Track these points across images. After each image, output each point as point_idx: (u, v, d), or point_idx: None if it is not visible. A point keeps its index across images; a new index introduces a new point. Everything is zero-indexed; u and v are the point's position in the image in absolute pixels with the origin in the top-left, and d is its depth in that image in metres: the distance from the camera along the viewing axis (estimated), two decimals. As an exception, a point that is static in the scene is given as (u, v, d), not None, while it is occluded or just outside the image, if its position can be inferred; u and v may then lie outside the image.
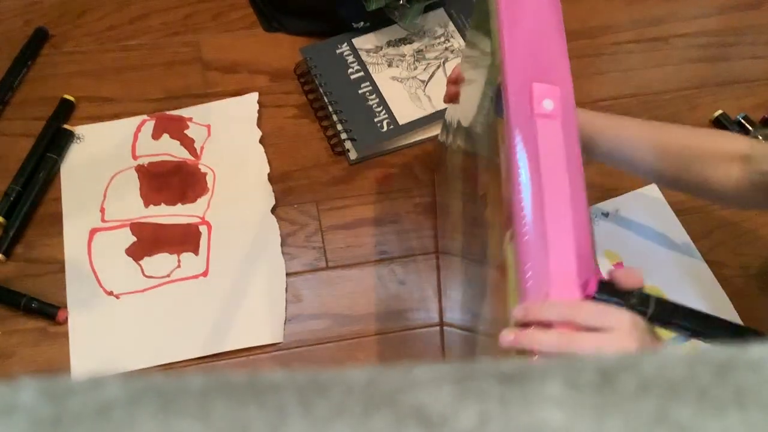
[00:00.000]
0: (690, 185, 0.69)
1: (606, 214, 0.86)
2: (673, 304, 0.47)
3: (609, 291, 0.46)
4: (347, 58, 0.94)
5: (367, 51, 0.95)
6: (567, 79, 0.50)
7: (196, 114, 0.90)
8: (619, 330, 0.43)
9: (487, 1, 0.55)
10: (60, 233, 0.81)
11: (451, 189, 0.78)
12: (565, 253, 0.43)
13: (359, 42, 0.95)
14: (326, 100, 0.90)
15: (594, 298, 0.45)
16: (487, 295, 0.59)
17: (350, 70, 0.93)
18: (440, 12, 0.99)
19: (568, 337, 0.43)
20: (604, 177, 0.89)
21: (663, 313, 0.47)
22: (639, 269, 0.47)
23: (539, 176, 0.45)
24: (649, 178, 0.75)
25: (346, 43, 0.95)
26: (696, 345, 0.53)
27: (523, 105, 0.48)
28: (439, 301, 0.80)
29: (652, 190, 0.88)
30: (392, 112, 0.90)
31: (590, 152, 0.72)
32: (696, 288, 0.81)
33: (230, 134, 0.89)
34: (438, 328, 0.79)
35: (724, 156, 0.65)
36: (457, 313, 0.73)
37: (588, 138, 0.69)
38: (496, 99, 0.52)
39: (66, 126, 0.87)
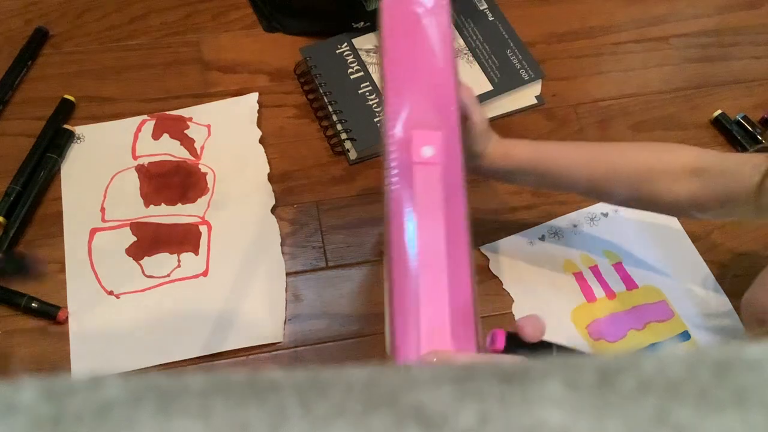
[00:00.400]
0: (643, 204, 0.69)
1: (605, 214, 0.86)
2: (574, 351, 0.49)
3: (516, 343, 0.46)
4: (347, 58, 0.94)
5: (367, 51, 0.95)
6: (452, 122, 0.48)
7: (196, 114, 0.90)
8: None
9: (380, 45, 0.53)
10: (60, 233, 0.81)
11: None
12: (439, 307, 0.42)
13: (359, 42, 0.95)
14: (326, 100, 0.90)
15: (504, 351, 0.45)
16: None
17: (350, 70, 0.93)
18: (440, 12, 0.99)
19: None
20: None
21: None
22: (540, 319, 0.47)
23: (415, 227, 0.44)
24: (601, 200, 0.75)
25: (346, 43, 0.95)
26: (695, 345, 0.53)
27: (402, 152, 0.46)
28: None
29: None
30: (392, 112, 0.89)
31: (534, 183, 0.71)
32: (695, 287, 0.81)
33: (230, 134, 0.89)
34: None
35: (674, 173, 0.65)
36: None
37: (532, 169, 0.68)
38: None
39: (66, 126, 0.87)
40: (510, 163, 0.68)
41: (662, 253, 0.83)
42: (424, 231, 0.44)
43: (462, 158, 0.47)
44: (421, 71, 0.50)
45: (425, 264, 0.43)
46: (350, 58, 0.94)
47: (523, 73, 0.93)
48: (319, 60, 0.92)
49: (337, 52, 0.94)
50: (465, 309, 0.43)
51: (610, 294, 0.81)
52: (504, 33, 0.97)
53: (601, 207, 0.86)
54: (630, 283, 0.81)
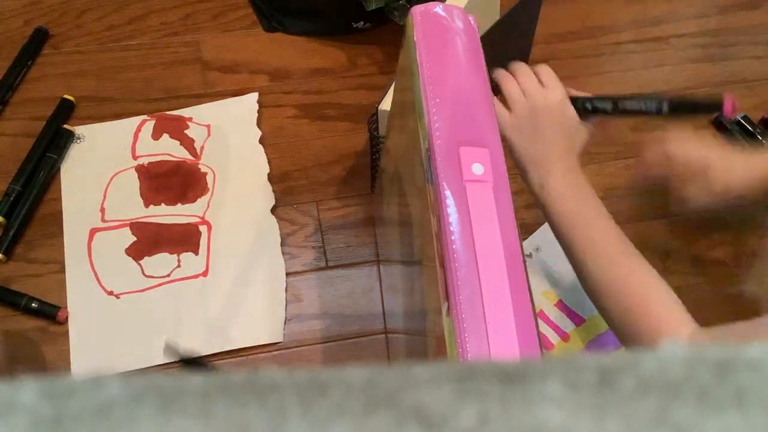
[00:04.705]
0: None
1: (529, 256, 0.82)
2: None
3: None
4: None
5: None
6: (496, 140, 0.48)
7: (196, 114, 0.90)
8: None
9: (411, 64, 0.53)
10: (60, 233, 0.81)
11: (387, 195, 0.76)
12: (505, 329, 0.42)
13: None
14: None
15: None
16: (414, 293, 0.58)
17: None
18: (440, 12, 0.98)
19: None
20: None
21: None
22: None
23: (473, 247, 0.44)
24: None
25: None
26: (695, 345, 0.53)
27: (452, 171, 0.46)
28: (382, 307, 0.80)
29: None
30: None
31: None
32: None
33: (230, 134, 0.89)
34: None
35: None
36: (400, 319, 0.72)
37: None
38: (426, 166, 0.50)
39: (66, 126, 0.87)
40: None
41: None
42: (484, 252, 0.44)
43: (506, 174, 0.47)
44: (459, 88, 0.50)
45: (489, 288, 0.43)
46: None
47: None
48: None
49: None
50: (526, 313, 0.43)
51: (564, 336, 0.78)
52: None
53: (528, 243, 0.82)
54: (577, 319, 0.79)
